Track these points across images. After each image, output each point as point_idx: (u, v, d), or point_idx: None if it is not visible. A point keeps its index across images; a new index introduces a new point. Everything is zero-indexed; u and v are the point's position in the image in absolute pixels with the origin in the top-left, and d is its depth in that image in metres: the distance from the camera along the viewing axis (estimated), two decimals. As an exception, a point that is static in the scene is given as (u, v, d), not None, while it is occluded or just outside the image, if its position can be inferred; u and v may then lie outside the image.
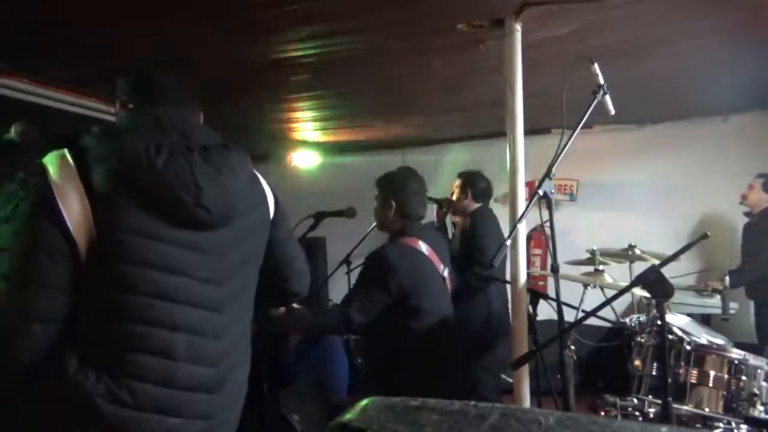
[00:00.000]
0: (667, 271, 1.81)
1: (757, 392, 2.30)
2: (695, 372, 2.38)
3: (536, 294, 2.53)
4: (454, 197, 3.83)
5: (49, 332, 1.24)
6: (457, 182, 3.84)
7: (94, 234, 1.25)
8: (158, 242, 1.30)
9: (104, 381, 1.25)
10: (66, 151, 1.28)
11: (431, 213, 4.07)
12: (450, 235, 3.93)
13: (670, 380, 2.19)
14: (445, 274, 2.57)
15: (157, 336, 1.30)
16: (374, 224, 4.04)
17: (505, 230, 3.34)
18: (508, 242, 2.02)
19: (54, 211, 1.22)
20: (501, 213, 3.98)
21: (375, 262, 2.41)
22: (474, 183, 3.79)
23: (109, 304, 1.27)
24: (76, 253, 1.24)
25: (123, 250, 1.26)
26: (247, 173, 1.50)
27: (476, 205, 3.75)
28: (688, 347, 2.42)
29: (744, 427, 2.30)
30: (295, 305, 2.44)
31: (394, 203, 2.54)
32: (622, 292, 2.07)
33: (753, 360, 2.36)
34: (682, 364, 2.40)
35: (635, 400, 2.51)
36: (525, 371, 2.34)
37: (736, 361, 2.35)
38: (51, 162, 1.27)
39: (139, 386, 1.27)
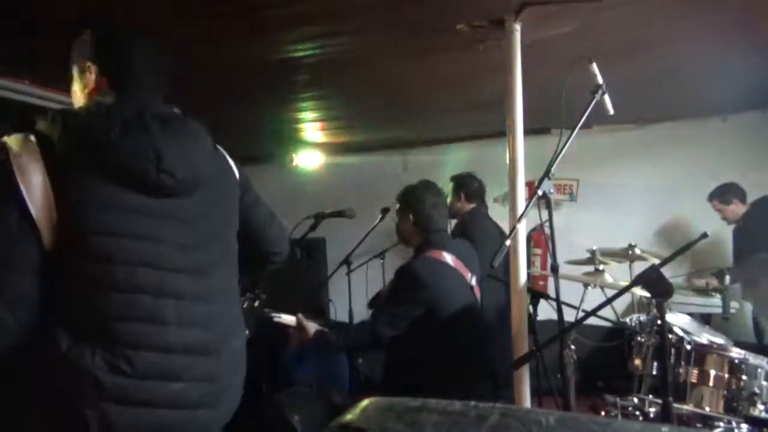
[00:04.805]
0: (667, 271, 1.81)
1: (758, 391, 2.29)
2: (695, 371, 2.38)
3: (536, 294, 2.53)
4: (448, 201, 3.84)
5: (17, 316, 1.23)
6: (449, 186, 3.86)
7: (56, 212, 1.25)
8: (127, 212, 1.32)
9: (99, 354, 1.25)
10: (29, 134, 1.29)
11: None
12: None
13: (670, 380, 2.19)
14: (473, 282, 2.56)
15: (142, 302, 1.31)
16: (374, 224, 4.07)
17: (505, 230, 3.34)
18: (508, 242, 2.01)
19: (13, 188, 1.22)
20: (501, 213, 3.99)
21: (405, 277, 2.43)
22: (465, 184, 3.80)
23: (92, 277, 1.28)
24: (37, 231, 1.24)
25: (92, 223, 1.27)
26: (207, 140, 1.50)
27: (470, 206, 3.76)
28: (689, 347, 2.41)
29: (744, 426, 2.29)
30: (315, 325, 2.45)
31: (412, 217, 2.56)
32: (622, 291, 2.07)
33: (753, 359, 2.36)
34: (683, 363, 2.40)
35: (635, 400, 2.50)
36: (525, 371, 2.33)
37: (736, 361, 2.35)
38: (12, 140, 1.28)
39: (135, 354, 1.28)
